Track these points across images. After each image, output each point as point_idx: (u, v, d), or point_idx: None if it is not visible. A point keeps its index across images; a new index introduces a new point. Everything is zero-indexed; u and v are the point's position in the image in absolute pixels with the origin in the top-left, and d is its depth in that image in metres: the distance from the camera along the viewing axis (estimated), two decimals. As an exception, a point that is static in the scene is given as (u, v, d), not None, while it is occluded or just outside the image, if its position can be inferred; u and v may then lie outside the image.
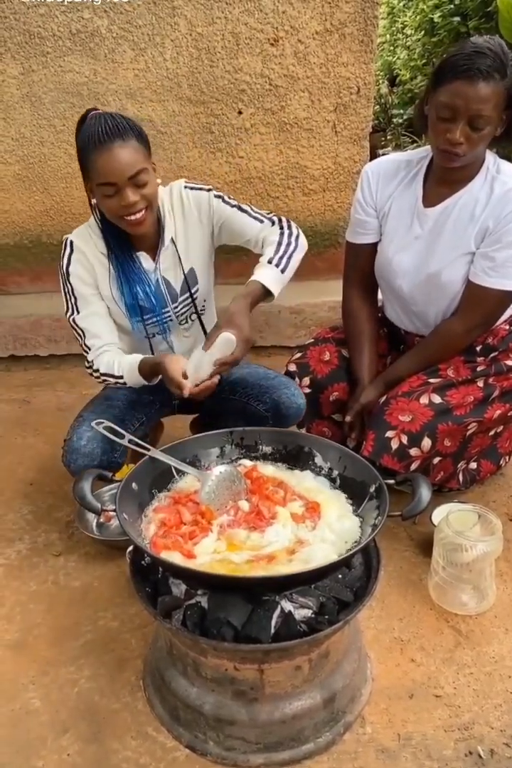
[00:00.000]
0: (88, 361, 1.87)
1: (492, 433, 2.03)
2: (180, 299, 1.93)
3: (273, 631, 1.24)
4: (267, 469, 1.56)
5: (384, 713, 1.41)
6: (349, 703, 1.38)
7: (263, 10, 2.91)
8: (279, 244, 1.80)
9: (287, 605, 1.28)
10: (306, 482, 1.52)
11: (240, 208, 1.88)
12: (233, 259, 2.59)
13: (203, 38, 2.94)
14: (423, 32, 6.97)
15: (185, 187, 1.89)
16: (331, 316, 3.10)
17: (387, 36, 8.98)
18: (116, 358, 1.83)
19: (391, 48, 8.93)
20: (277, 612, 1.26)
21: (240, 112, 3.09)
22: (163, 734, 1.36)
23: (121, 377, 1.82)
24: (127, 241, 1.83)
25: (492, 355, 1.99)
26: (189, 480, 1.50)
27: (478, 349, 1.99)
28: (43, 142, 3.06)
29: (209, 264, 1.98)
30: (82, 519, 1.94)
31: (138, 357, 1.81)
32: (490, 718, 1.40)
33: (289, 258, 1.79)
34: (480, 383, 1.93)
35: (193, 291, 1.92)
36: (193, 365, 1.66)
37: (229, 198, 1.90)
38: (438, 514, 1.81)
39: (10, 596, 1.75)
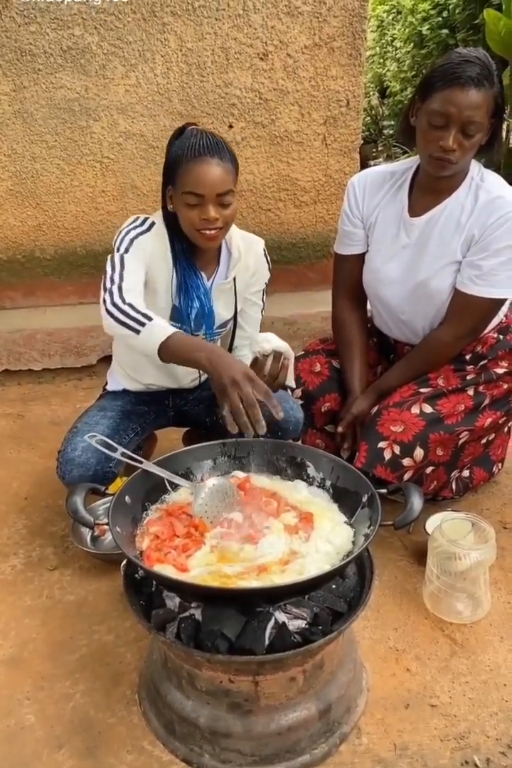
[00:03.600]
0: (113, 283, 1.63)
1: (484, 441, 2.04)
2: (214, 330, 1.96)
3: (267, 642, 1.23)
4: (260, 481, 1.56)
5: (380, 723, 1.41)
6: (345, 714, 1.38)
7: (252, 25, 2.95)
8: None
9: (281, 616, 1.28)
10: (299, 493, 1.52)
11: (261, 309, 2.07)
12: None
13: (193, 53, 2.97)
14: (412, 44, 7.07)
15: (264, 249, 1.99)
16: (324, 326, 3.11)
17: (377, 48, 9.09)
18: (143, 306, 1.62)
19: (381, 60, 9.03)
20: (271, 623, 1.26)
21: (230, 126, 3.12)
22: (158, 748, 1.35)
23: (146, 320, 1.55)
24: (191, 256, 1.85)
25: (481, 363, 2.00)
26: (182, 493, 1.50)
27: (468, 357, 2.01)
28: (35, 157, 3.07)
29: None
30: (77, 533, 1.94)
31: (172, 329, 1.56)
32: (486, 726, 1.40)
33: None
34: (471, 392, 1.94)
35: (224, 329, 2.01)
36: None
37: (265, 295, 2.06)
38: (432, 523, 1.82)
39: (5, 611, 1.74)
